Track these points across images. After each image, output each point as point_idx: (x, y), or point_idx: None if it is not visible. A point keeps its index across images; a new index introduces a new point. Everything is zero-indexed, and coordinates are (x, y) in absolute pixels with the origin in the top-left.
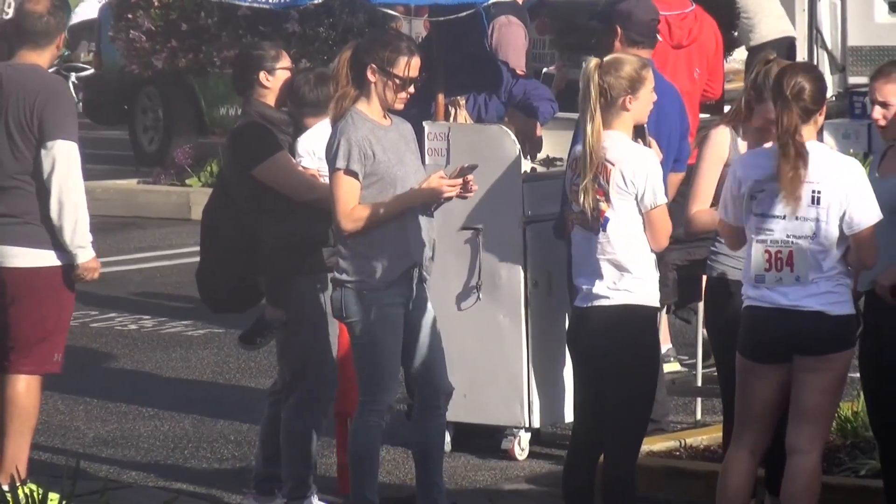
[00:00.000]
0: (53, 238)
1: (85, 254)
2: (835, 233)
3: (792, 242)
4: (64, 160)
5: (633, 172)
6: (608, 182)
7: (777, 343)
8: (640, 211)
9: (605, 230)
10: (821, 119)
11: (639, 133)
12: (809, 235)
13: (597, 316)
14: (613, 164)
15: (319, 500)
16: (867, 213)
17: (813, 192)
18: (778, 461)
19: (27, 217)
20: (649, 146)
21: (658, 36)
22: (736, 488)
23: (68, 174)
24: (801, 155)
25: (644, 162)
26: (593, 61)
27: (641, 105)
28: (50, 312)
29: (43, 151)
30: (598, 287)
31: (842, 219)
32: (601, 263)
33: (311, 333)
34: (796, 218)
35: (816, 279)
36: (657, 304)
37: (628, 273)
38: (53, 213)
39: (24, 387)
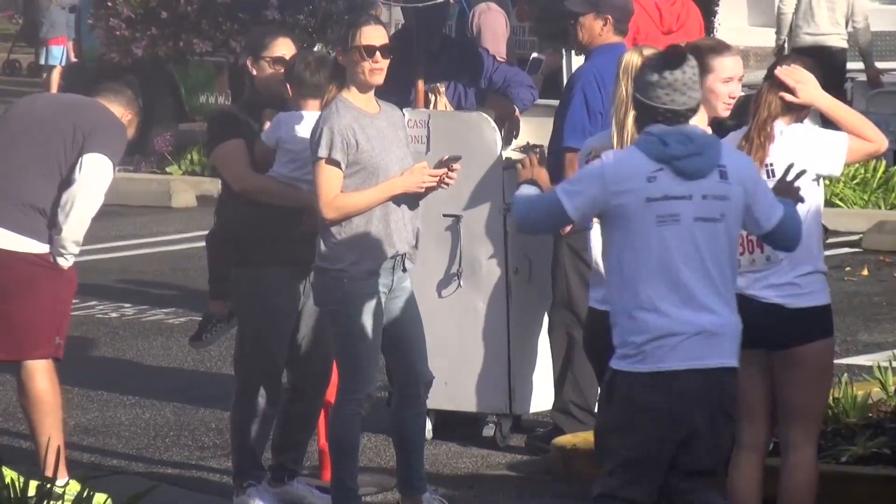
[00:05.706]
0: (40, 226)
1: (65, 262)
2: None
3: None
4: (97, 172)
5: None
6: None
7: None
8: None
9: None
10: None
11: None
12: None
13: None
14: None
15: (305, 485)
16: (837, 159)
17: (767, 166)
18: None
19: (25, 208)
20: None
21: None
22: (742, 490)
23: (94, 185)
24: (766, 142)
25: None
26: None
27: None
28: (46, 297)
29: (84, 157)
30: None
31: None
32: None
33: (243, 327)
34: None
35: (785, 263)
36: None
37: (596, 270)
38: (62, 210)
39: (40, 375)
